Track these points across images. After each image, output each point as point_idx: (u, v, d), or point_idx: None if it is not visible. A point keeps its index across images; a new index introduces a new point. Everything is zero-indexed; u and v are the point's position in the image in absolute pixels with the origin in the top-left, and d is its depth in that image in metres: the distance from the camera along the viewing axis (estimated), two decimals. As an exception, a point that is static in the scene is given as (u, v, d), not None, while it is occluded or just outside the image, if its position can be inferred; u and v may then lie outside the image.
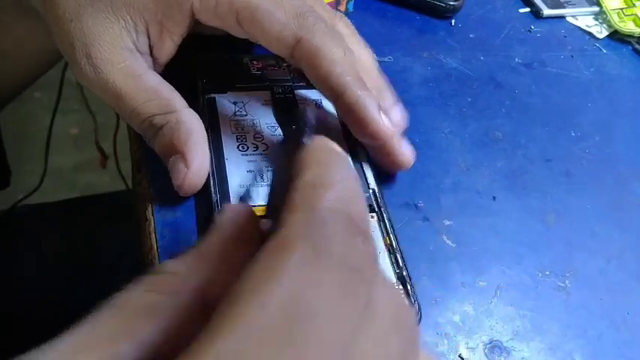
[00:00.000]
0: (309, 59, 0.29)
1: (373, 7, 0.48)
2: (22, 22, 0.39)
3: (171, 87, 0.31)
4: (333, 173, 0.17)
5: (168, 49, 0.31)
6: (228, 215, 0.19)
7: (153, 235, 0.30)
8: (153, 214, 0.31)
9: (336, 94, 0.30)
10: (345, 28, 0.34)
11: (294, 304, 0.14)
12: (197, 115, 0.31)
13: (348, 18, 0.37)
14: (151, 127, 0.30)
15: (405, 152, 0.32)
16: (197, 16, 0.30)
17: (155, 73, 0.31)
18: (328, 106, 0.37)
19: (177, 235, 0.30)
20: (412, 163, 0.33)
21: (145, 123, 0.30)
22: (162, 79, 0.31)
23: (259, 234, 0.19)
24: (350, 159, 0.30)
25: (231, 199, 0.30)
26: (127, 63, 0.29)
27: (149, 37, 0.30)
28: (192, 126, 0.30)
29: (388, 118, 0.31)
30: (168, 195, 0.29)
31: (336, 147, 0.19)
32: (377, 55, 0.42)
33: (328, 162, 0.18)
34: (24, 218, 0.63)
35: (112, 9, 0.29)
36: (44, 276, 0.59)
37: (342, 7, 0.44)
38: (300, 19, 0.29)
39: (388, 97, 0.34)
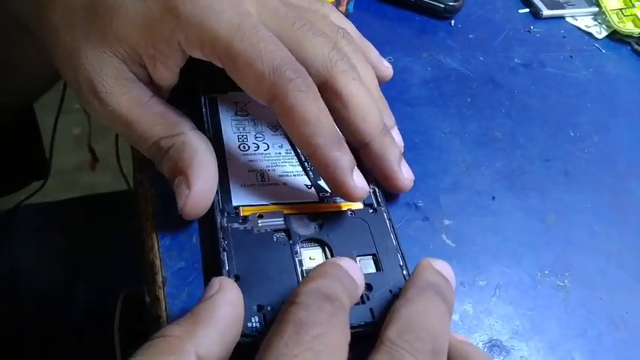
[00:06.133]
0: (282, 117, 0.29)
1: (373, 7, 0.48)
2: (32, 42, 0.40)
3: (179, 111, 0.31)
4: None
5: (167, 78, 0.31)
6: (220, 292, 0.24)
7: (154, 234, 0.30)
8: (154, 214, 0.31)
9: (307, 153, 0.29)
10: (347, 45, 0.33)
11: None
12: (204, 137, 0.31)
13: (349, 18, 0.37)
14: (158, 150, 0.30)
15: (403, 177, 0.32)
16: (186, 52, 0.29)
17: (160, 99, 0.31)
18: None
19: (178, 235, 0.30)
20: (409, 187, 0.33)
21: (153, 147, 0.30)
22: (169, 105, 0.31)
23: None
24: None
25: (232, 199, 0.31)
26: (133, 93, 0.30)
27: (146, 69, 0.30)
28: (197, 147, 0.30)
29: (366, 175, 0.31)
30: (169, 195, 0.30)
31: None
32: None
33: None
34: (25, 218, 0.64)
35: (106, 44, 0.29)
36: (45, 275, 0.59)
37: (343, 8, 0.44)
38: (275, 75, 0.28)
39: (388, 118, 0.34)
